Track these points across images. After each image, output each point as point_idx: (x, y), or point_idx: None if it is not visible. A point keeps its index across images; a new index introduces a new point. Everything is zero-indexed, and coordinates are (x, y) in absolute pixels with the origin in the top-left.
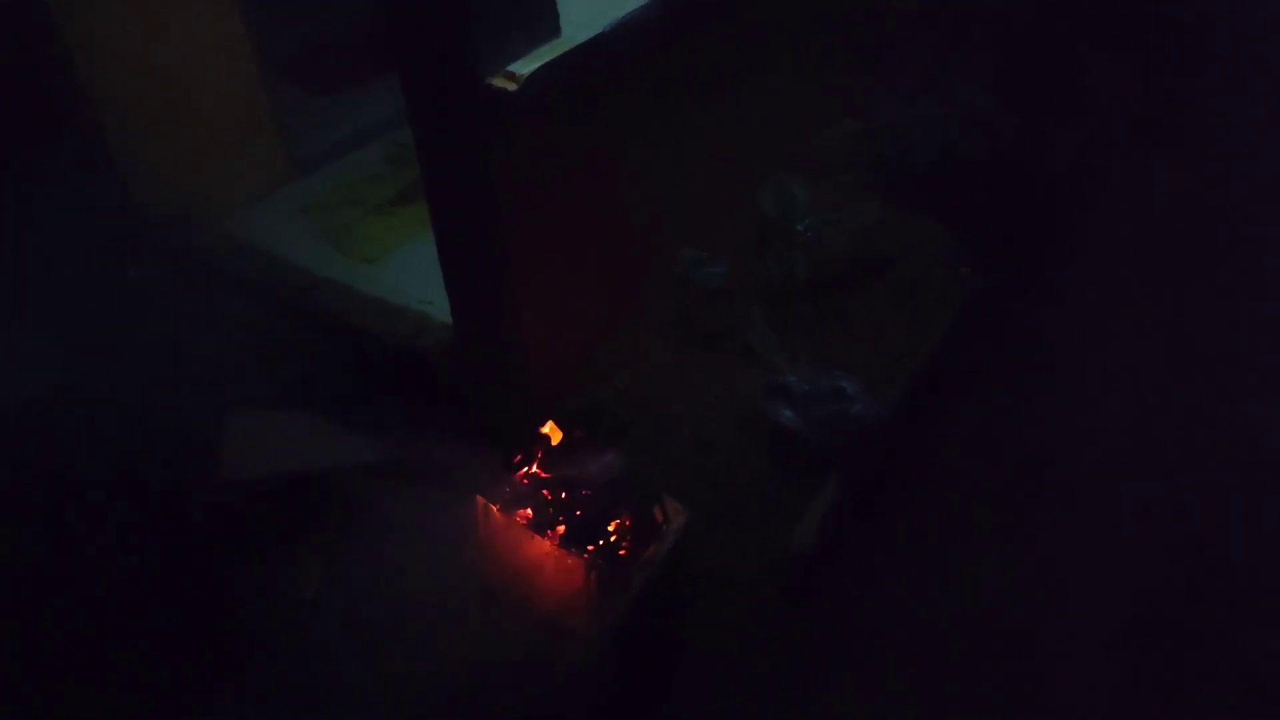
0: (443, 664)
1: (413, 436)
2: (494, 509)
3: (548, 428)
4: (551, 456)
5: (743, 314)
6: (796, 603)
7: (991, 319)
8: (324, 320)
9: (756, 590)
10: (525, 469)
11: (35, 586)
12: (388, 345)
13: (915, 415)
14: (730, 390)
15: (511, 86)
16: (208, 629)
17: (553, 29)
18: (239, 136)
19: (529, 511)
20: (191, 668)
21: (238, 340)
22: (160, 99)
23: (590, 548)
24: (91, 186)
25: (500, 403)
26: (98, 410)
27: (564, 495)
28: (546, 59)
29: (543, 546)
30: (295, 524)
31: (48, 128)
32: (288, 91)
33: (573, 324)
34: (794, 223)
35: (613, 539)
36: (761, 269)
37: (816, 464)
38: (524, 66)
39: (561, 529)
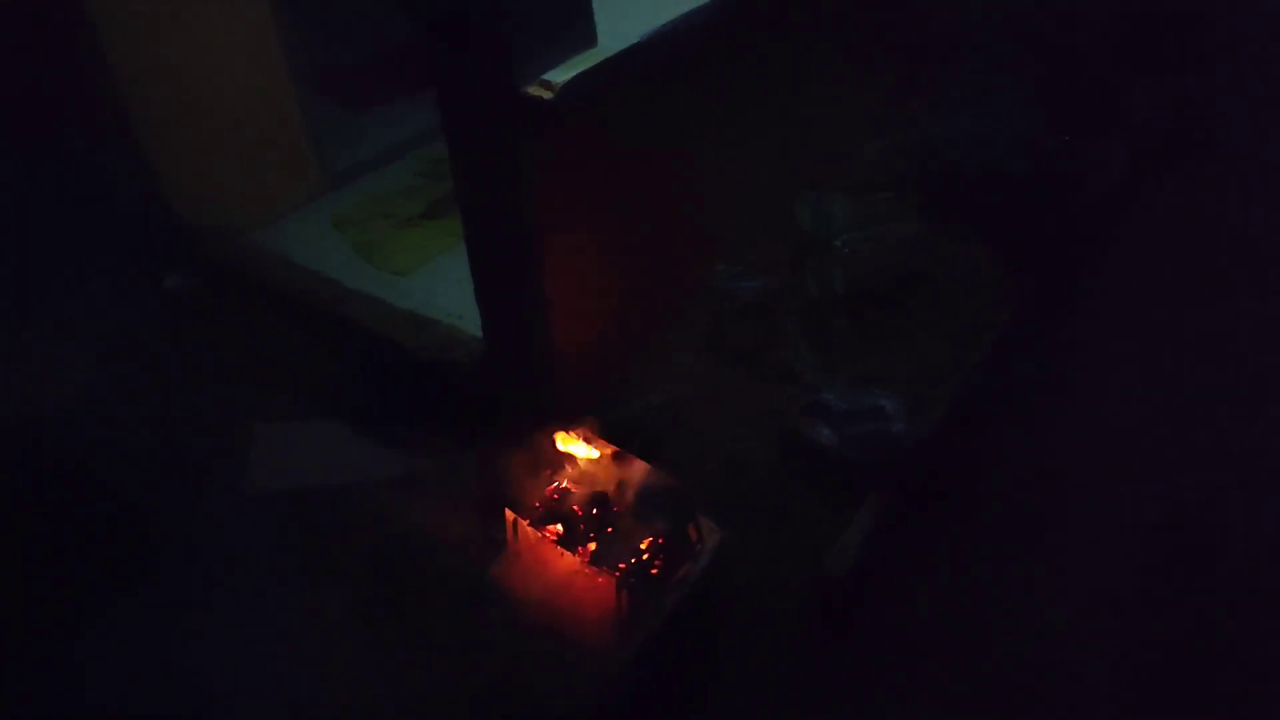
0: (469, 682)
1: (442, 450)
2: (524, 524)
3: (579, 442)
4: (583, 471)
5: (779, 330)
6: (832, 626)
7: (1034, 338)
8: (355, 333)
9: (791, 613)
10: (555, 484)
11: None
12: (418, 358)
13: (956, 435)
14: (765, 408)
15: (547, 95)
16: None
17: (589, 38)
18: (274, 151)
19: (559, 527)
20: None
21: (269, 351)
22: (197, 113)
23: (622, 565)
24: (131, 197)
25: (530, 416)
26: (128, 417)
27: (595, 511)
28: (582, 68)
29: (572, 563)
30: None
31: (89, 140)
32: (322, 107)
33: (604, 336)
34: (832, 237)
35: (645, 557)
36: (798, 284)
37: (854, 484)
38: (560, 75)
39: (592, 546)
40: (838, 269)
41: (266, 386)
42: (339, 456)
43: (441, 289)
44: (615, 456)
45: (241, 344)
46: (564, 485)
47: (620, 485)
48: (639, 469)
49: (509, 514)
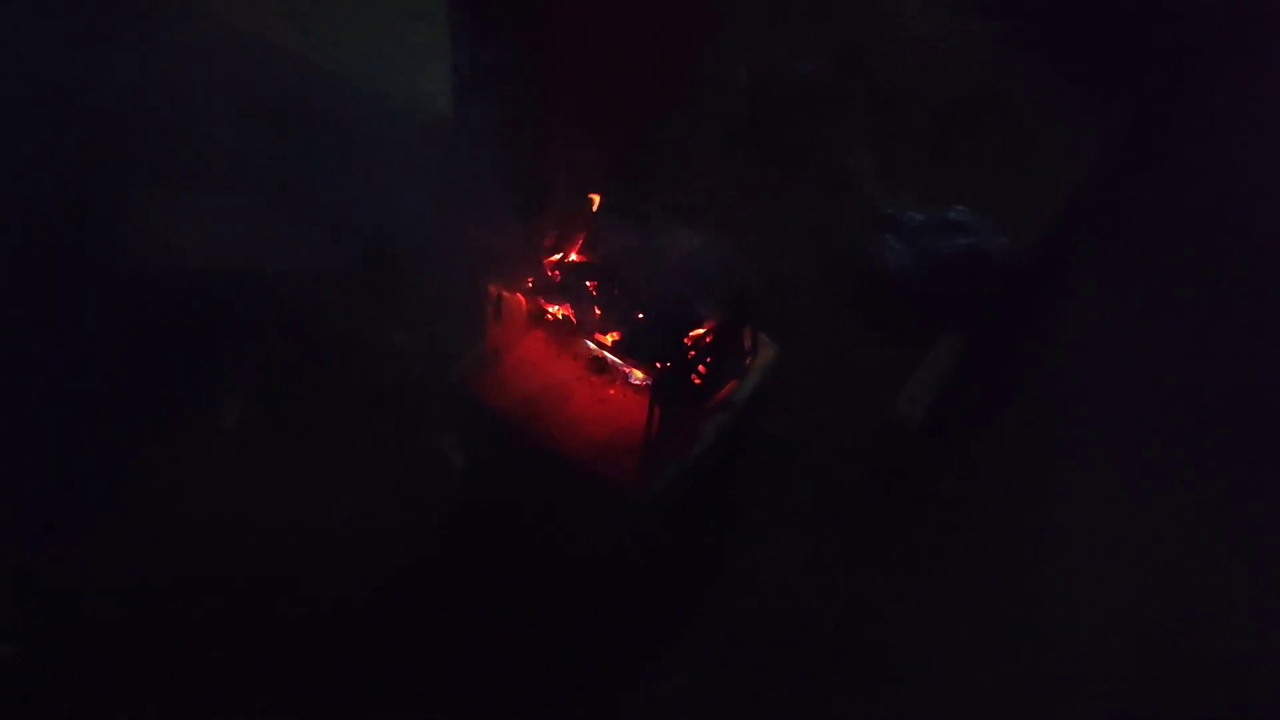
0: (409, 521)
1: (383, 240)
2: (513, 299)
3: (594, 200)
4: (599, 239)
5: (834, 126)
6: (887, 485)
7: (1116, 190)
8: (276, 100)
9: (838, 463)
10: (561, 253)
11: None
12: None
13: (1057, 272)
14: (812, 222)
15: None
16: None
17: None
18: None
19: (567, 309)
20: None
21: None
22: None
23: (657, 365)
24: None
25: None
26: None
27: (616, 291)
28: None
29: (576, 365)
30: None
31: None
32: None
33: (608, 102)
34: (905, 16)
35: (690, 355)
36: (862, 72)
37: (926, 316)
38: None
39: (615, 336)
40: (912, 53)
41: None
42: (247, 237)
43: (397, 59)
44: (646, 218)
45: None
46: (571, 256)
47: (657, 255)
48: (682, 239)
49: (491, 288)
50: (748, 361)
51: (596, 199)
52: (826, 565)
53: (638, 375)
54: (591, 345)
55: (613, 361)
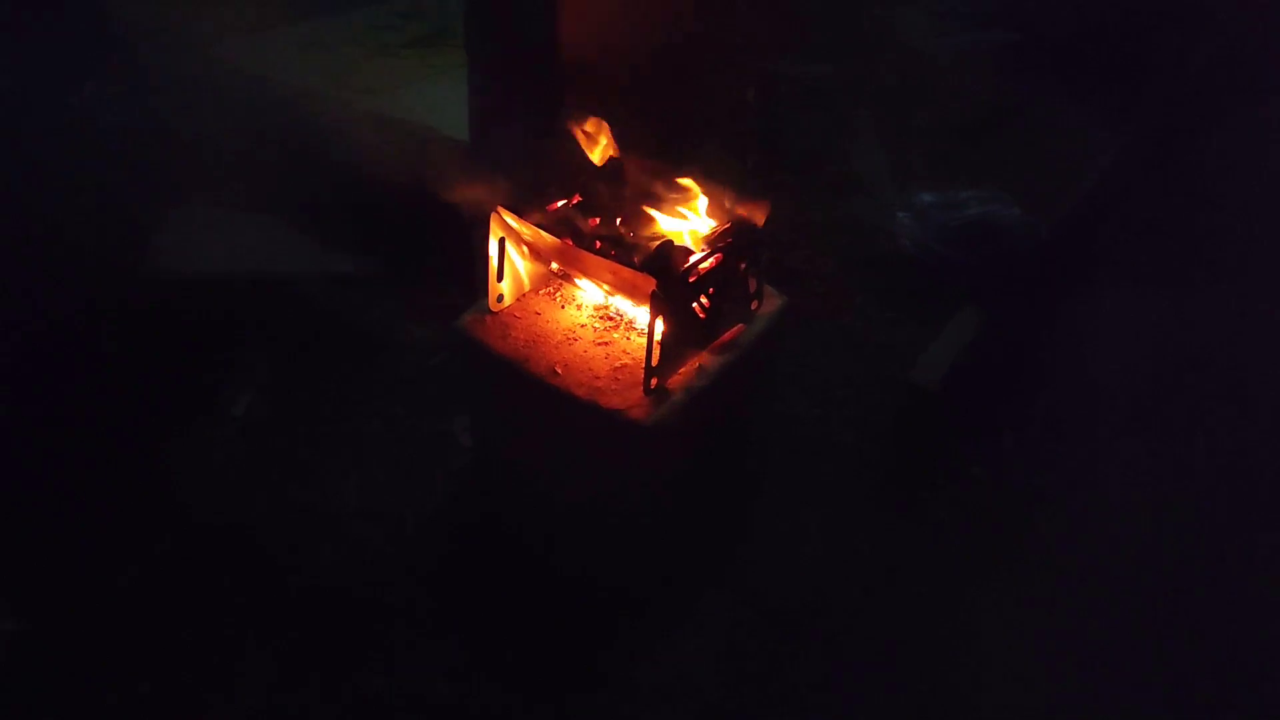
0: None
1: (397, 254)
2: (519, 248)
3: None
4: (603, 185)
5: (843, 126)
6: (911, 461)
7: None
8: (307, 133)
9: (859, 441)
10: (564, 200)
11: None
12: (380, 155)
13: (1077, 251)
14: (825, 219)
15: None
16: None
17: None
18: None
19: (568, 241)
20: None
21: (193, 147)
22: None
23: (656, 276)
24: None
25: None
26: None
27: (618, 221)
28: None
29: (581, 315)
30: (236, 334)
31: None
32: None
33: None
34: (915, 34)
35: (690, 280)
36: (874, 73)
37: (944, 293)
38: None
39: (614, 256)
40: (921, 68)
41: (187, 182)
42: (269, 246)
43: (417, 104)
44: (653, 168)
45: (163, 151)
46: (574, 201)
47: (656, 199)
48: (686, 186)
49: (494, 227)
50: (754, 306)
51: (599, 153)
52: (849, 540)
53: (640, 323)
54: (592, 283)
55: (618, 309)
